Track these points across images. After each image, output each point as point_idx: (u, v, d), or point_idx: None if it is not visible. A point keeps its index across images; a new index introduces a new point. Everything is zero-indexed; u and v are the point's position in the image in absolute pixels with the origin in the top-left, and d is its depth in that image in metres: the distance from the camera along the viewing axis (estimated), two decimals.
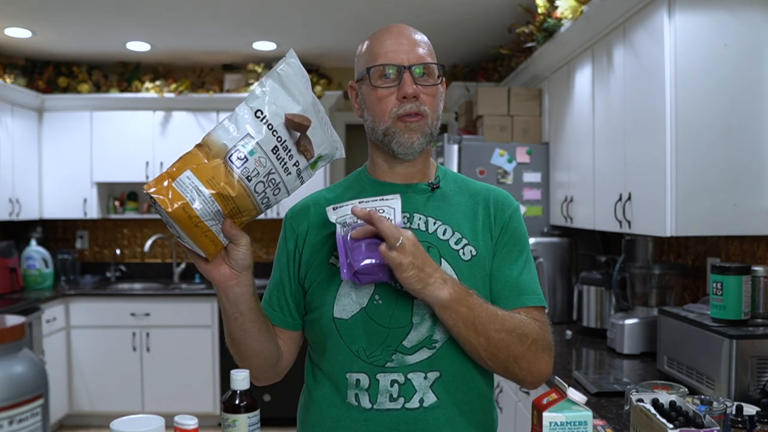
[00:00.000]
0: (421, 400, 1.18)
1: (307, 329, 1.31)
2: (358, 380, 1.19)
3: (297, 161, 1.10)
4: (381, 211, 1.11)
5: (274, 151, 1.07)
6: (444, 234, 1.24)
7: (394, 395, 1.18)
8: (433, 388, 1.19)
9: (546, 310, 1.28)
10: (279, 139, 1.07)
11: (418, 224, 1.24)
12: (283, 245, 1.32)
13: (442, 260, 1.21)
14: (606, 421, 1.63)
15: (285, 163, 1.09)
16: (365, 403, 1.19)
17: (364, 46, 1.27)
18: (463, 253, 1.23)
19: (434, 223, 1.25)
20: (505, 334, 1.14)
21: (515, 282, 1.24)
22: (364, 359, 1.19)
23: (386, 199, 1.14)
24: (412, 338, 1.18)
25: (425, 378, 1.18)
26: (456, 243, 1.23)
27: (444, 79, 1.28)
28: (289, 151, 1.09)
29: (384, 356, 1.18)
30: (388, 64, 1.20)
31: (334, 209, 1.14)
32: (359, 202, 1.13)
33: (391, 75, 1.21)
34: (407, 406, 1.18)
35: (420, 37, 1.25)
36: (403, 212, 1.24)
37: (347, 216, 1.11)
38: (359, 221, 1.09)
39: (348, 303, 1.20)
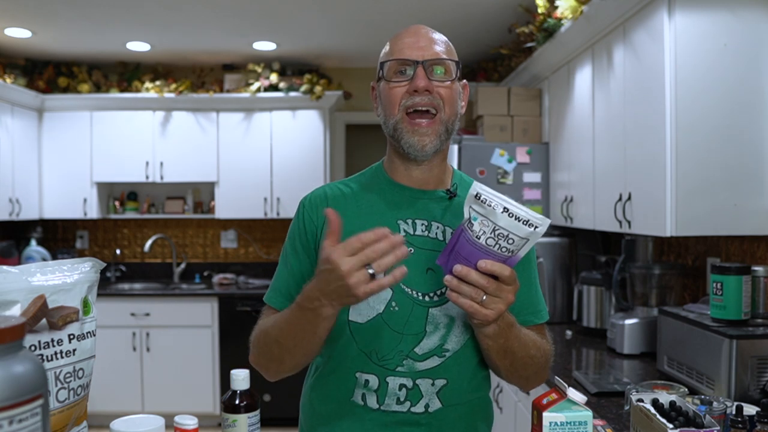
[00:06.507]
0: (427, 405, 1.20)
1: None
2: (367, 380, 1.20)
3: None
4: (510, 240, 1.02)
5: None
6: None
7: (402, 398, 1.19)
8: (439, 394, 1.21)
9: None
10: None
11: (436, 233, 1.24)
12: (301, 234, 1.27)
13: None
14: (606, 421, 1.62)
15: None
16: (372, 403, 1.20)
17: (385, 47, 1.28)
18: None
19: (452, 234, 1.24)
20: (528, 359, 1.21)
21: (533, 301, 1.29)
22: (375, 362, 1.20)
23: (530, 223, 1.01)
24: (424, 346, 1.19)
25: (432, 384, 1.20)
26: None
27: (461, 77, 1.27)
28: None
29: (395, 360, 1.19)
30: (402, 59, 1.21)
31: (476, 198, 1.03)
32: (503, 210, 1.01)
33: (406, 70, 1.21)
34: (413, 410, 1.20)
35: (438, 36, 1.25)
36: (421, 220, 1.23)
37: (480, 217, 1.03)
38: (484, 237, 1.03)
39: (365, 307, 1.19)
